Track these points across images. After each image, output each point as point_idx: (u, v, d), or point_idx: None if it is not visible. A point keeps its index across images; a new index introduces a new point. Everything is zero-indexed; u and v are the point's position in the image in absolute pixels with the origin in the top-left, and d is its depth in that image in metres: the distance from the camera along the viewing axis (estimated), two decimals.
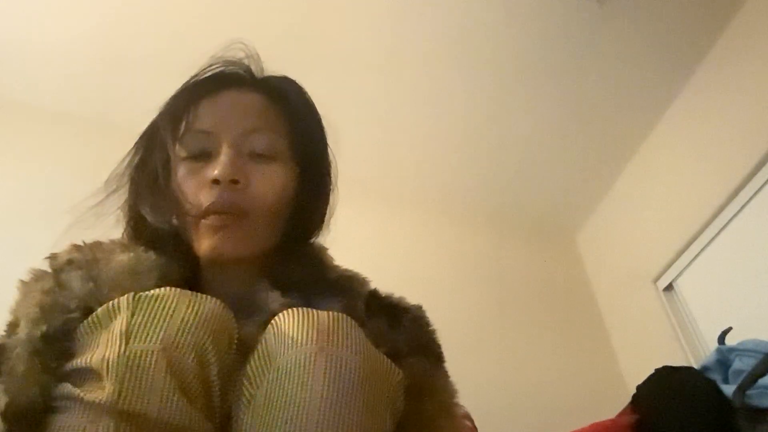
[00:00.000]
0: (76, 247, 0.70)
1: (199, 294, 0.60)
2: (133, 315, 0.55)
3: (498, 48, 2.23)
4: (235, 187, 0.69)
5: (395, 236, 2.48)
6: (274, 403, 0.53)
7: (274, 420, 0.52)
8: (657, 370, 1.67)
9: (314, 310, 0.59)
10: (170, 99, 0.77)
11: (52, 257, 0.69)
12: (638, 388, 1.66)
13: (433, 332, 0.75)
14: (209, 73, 0.78)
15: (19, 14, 1.97)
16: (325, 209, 0.81)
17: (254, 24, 2.08)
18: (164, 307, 0.57)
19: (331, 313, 0.59)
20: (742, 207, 2.09)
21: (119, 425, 0.49)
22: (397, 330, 0.69)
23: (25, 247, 1.84)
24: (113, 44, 2.07)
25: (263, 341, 0.58)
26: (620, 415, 1.64)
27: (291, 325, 0.57)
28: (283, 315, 0.59)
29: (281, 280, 0.67)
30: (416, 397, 0.62)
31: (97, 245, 0.71)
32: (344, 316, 0.59)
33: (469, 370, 2.34)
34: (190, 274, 0.72)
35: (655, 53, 2.27)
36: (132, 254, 0.68)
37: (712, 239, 2.20)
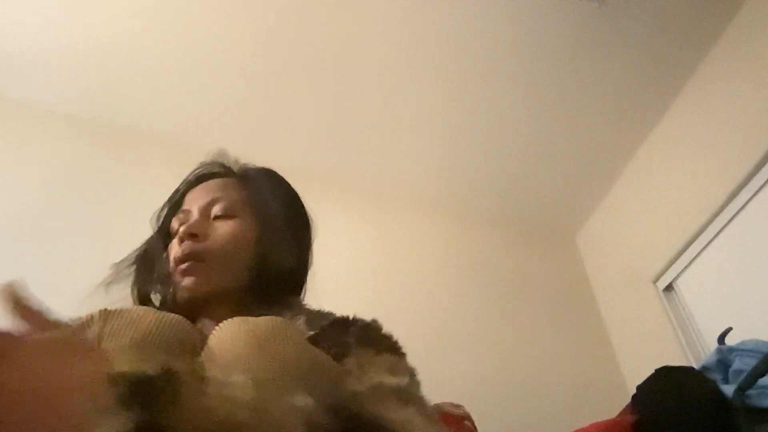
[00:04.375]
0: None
1: (163, 311, 0.68)
2: (105, 324, 0.63)
3: (497, 49, 2.23)
4: (195, 240, 0.83)
5: (395, 237, 2.48)
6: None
7: None
8: (657, 370, 1.67)
9: (253, 318, 0.66)
10: (168, 198, 0.97)
11: None
12: (638, 388, 1.66)
13: (383, 333, 0.80)
14: (193, 176, 0.97)
15: (19, 15, 1.97)
16: (294, 261, 0.89)
17: (256, 27, 2.09)
18: (132, 317, 0.65)
19: (268, 317, 0.67)
20: (742, 207, 2.09)
21: None
22: (346, 334, 0.76)
23: (25, 246, 1.85)
24: (113, 45, 2.07)
25: (206, 348, 0.64)
26: (620, 415, 1.65)
27: (231, 331, 0.64)
28: (223, 324, 0.66)
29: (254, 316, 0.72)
30: (359, 370, 0.67)
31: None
32: (280, 318, 0.67)
33: (468, 371, 2.35)
34: None
35: (654, 53, 2.27)
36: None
37: (712, 239, 2.20)
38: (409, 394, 0.65)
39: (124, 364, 0.47)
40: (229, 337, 0.63)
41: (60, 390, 0.44)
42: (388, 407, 0.60)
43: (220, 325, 0.66)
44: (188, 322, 0.69)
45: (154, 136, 2.26)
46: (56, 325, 0.50)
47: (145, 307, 0.69)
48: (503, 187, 2.67)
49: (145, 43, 2.09)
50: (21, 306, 0.47)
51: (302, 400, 0.52)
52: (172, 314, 0.68)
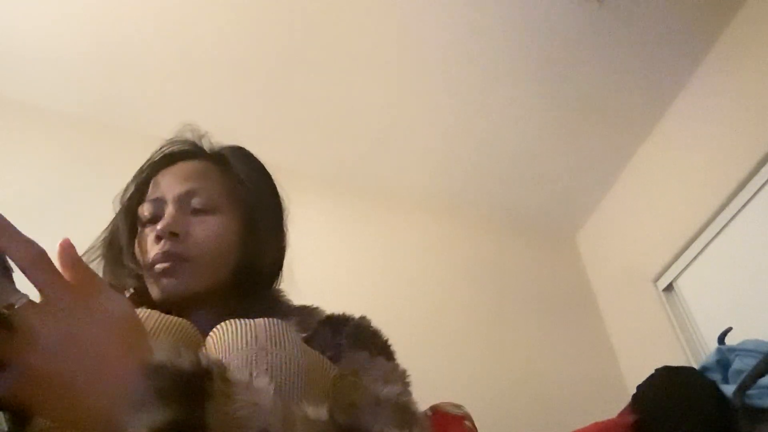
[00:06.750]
0: None
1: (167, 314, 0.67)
2: None
3: (497, 48, 2.23)
4: (176, 239, 0.77)
5: (393, 237, 2.48)
6: None
7: None
8: (657, 370, 1.67)
9: (251, 320, 0.65)
10: (131, 179, 0.89)
11: None
12: (638, 388, 1.66)
13: (374, 332, 0.80)
14: (160, 155, 0.90)
15: (19, 15, 1.97)
16: (275, 255, 0.87)
17: (255, 29, 2.09)
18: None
19: (266, 319, 0.66)
20: (742, 207, 2.09)
21: None
22: (339, 335, 0.76)
23: None
24: (113, 45, 2.07)
25: (203, 350, 0.63)
26: (620, 415, 1.65)
27: (231, 333, 0.63)
28: (222, 326, 0.65)
29: (241, 316, 0.71)
30: (354, 377, 0.68)
31: None
32: (279, 321, 0.66)
33: (468, 370, 2.34)
34: None
35: (654, 53, 2.27)
36: None
37: (712, 239, 2.20)
38: (406, 411, 0.64)
39: (162, 354, 0.46)
40: (228, 339, 0.63)
41: (108, 360, 0.44)
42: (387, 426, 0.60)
43: (217, 327, 0.66)
44: (191, 324, 0.68)
45: (155, 137, 2.25)
46: (111, 291, 0.50)
47: (147, 310, 0.68)
48: (503, 186, 2.67)
49: (145, 44, 2.08)
50: (77, 266, 0.48)
51: (314, 412, 0.52)
52: (175, 318, 0.67)
